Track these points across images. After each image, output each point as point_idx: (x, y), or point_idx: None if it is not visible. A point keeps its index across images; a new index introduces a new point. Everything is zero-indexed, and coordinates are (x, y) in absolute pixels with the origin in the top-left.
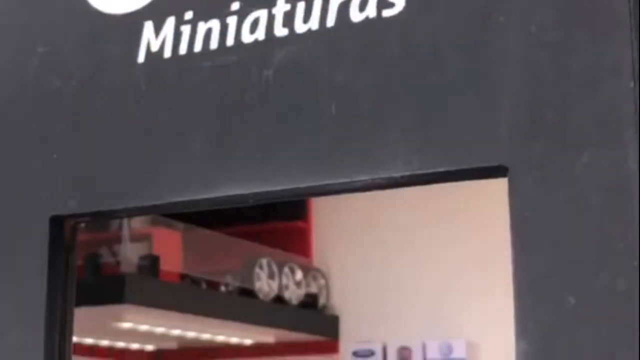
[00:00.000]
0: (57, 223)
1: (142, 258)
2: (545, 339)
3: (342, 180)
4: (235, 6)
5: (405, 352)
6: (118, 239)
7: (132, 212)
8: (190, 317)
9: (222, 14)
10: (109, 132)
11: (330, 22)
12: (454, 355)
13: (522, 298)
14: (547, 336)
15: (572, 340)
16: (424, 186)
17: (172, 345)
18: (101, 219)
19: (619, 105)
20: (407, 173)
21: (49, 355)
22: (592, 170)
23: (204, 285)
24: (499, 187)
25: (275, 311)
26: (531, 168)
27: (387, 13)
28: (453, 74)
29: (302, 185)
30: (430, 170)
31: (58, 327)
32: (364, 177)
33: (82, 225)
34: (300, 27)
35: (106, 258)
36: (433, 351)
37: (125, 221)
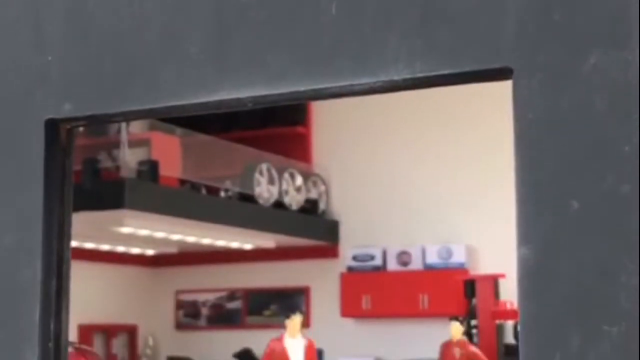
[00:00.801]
0: (52, 126)
1: (141, 163)
2: (547, 245)
3: (342, 83)
4: None
5: (405, 256)
6: (117, 144)
7: (128, 116)
8: (190, 222)
9: None
10: (104, 35)
11: None
12: (454, 259)
13: (524, 203)
14: (549, 242)
15: (574, 245)
16: (426, 90)
17: (173, 249)
18: (96, 122)
19: (628, 6)
20: (409, 76)
21: (46, 259)
22: (599, 72)
23: (203, 191)
24: (501, 89)
25: (275, 216)
26: (536, 70)
27: None
28: None
29: (302, 88)
30: (433, 73)
31: (56, 231)
32: (365, 80)
33: (79, 129)
34: None
35: (105, 163)
36: (432, 256)
37: (123, 126)
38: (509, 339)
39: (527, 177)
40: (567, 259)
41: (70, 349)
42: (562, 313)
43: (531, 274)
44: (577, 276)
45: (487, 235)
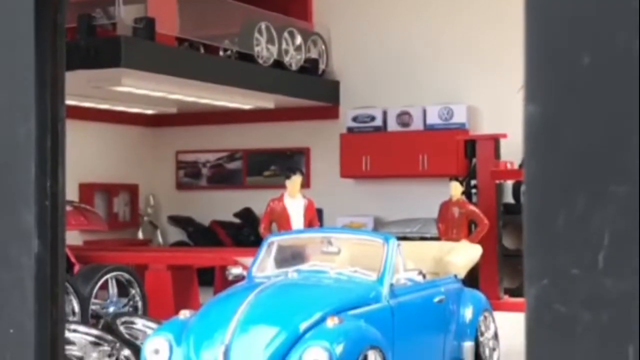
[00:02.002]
0: None
1: (137, 20)
2: (556, 102)
3: None
4: None
5: (406, 117)
6: (112, 1)
7: None
8: (188, 82)
9: None
10: None
11: None
12: (455, 119)
13: (533, 58)
14: (557, 99)
15: (583, 103)
16: None
17: (172, 109)
18: None
19: None
20: None
21: (40, 116)
22: None
23: (202, 50)
24: None
25: (274, 76)
26: None
27: None
28: None
29: None
30: None
31: (49, 88)
32: None
33: None
34: None
35: (100, 21)
36: (433, 116)
37: None
38: (508, 198)
39: (537, 31)
40: (576, 117)
41: (69, 208)
42: (568, 173)
43: (537, 133)
44: (584, 135)
45: (488, 96)
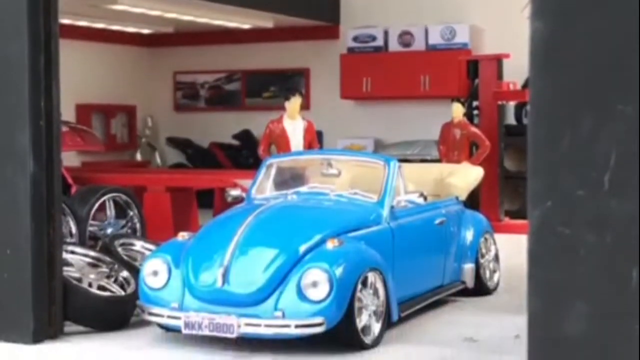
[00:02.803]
0: None
1: None
2: (563, 18)
3: None
4: None
5: (407, 37)
6: None
7: None
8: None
9: None
10: None
11: None
12: (457, 39)
13: None
14: (565, 14)
15: (592, 18)
16: None
17: (169, 29)
18: None
19: None
20: None
21: (33, 34)
22: None
23: None
24: None
25: None
26: None
27: None
28: None
29: None
30: None
31: (41, 5)
32: None
33: None
34: None
35: None
36: (435, 36)
37: None
38: (510, 120)
39: None
40: (583, 33)
41: (64, 128)
42: (574, 91)
43: (544, 50)
44: (592, 52)
45: (492, 15)
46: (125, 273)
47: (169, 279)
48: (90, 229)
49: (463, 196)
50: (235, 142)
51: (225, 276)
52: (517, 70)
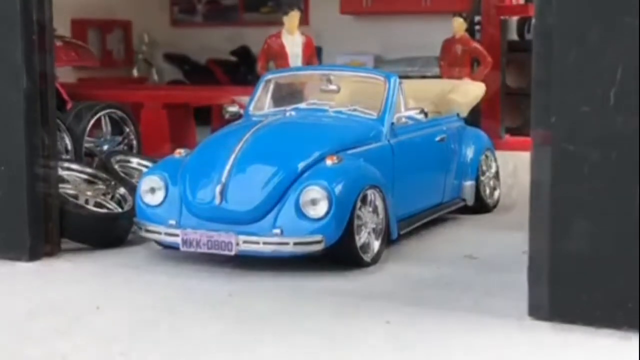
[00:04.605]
0: None
1: None
2: None
3: None
4: None
5: None
6: None
7: None
8: None
9: None
10: None
11: None
12: None
13: None
14: None
15: None
16: None
17: None
18: None
19: None
20: None
21: None
22: None
23: None
24: None
25: None
26: None
27: None
28: None
29: None
30: None
31: None
32: None
33: None
34: None
35: None
36: None
37: None
38: (513, 35)
39: None
40: None
41: (59, 43)
42: (580, 3)
43: None
44: None
45: None
46: (122, 190)
47: (166, 196)
48: (86, 145)
49: (464, 113)
50: (233, 59)
51: (223, 193)
52: None
